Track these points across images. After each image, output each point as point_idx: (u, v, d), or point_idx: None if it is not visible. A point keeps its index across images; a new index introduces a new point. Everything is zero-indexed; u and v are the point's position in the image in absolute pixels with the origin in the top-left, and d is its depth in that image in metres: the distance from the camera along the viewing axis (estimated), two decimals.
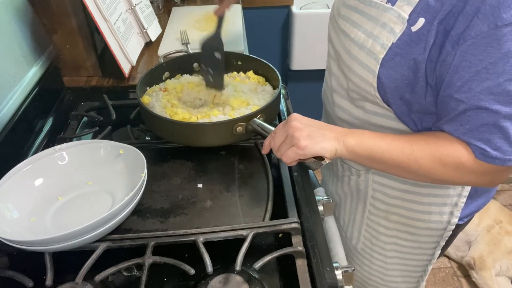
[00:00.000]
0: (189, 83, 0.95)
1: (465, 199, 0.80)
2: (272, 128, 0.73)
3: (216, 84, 0.90)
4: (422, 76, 0.62)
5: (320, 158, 0.63)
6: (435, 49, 0.59)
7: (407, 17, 0.61)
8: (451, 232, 0.85)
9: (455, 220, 0.82)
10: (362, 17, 0.68)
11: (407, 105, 0.68)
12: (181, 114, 0.84)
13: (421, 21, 0.59)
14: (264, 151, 0.72)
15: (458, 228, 0.86)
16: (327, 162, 0.64)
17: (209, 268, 0.61)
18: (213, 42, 0.88)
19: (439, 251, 0.89)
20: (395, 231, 0.87)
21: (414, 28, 0.60)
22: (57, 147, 0.77)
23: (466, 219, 0.85)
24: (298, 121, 0.65)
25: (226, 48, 1.04)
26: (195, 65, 1.02)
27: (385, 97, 0.68)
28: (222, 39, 0.88)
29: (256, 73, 1.00)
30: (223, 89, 0.90)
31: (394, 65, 0.63)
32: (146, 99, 0.89)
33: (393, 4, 0.63)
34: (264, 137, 0.75)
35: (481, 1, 0.53)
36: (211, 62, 0.89)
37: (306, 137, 0.62)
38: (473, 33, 0.54)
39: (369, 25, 0.66)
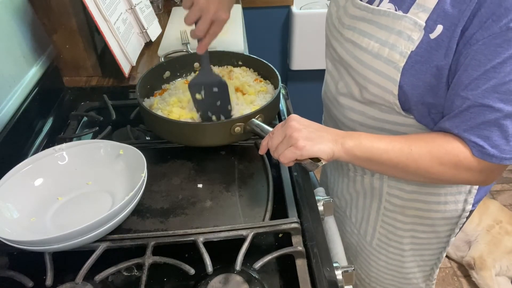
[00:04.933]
0: None
1: (477, 186, 0.81)
2: (270, 129, 0.73)
3: (224, 114, 0.85)
4: (445, 81, 0.63)
5: (316, 160, 0.63)
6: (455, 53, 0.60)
7: (424, 24, 0.61)
8: (465, 219, 0.86)
9: (469, 207, 0.84)
10: (372, 26, 0.68)
11: (428, 107, 0.69)
12: (177, 113, 0.84)
13: (439, 28, 0.60)
14: (262, 151, 0.72)
15: (470, 214, 0.87)
16: (324, 163, 0.64)
17: (209, 268, 0.62)
18: (204, 79, 0.82)
19: (453, 238, 0.90)
20: (412, 224, 0.87)
21: (432, 36, 0.61)
22: (57, 147, 0.77)
23: (477, 204, 0.87)
24: (296, 121, 0.65)
25: (226, 48, 1.05)
26: (196, 64, 1.02)
27: (406, 103, 0.69)
28: (214, 75, 0.83)
29: (257, 74, 1.00)
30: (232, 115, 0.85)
31: (415, 72, 0.64)
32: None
33: (405, 12, 0.64)
34: (262, 138, 0.75)
35: (498, 4, 0.54)
36: (210, 98, 0.84)
37: (304, 138, 0.63)
38: (485, 34, 0.56)
39: (383, 34, 0.66)
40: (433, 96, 0.66)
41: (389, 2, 0.66)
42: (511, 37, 0.54)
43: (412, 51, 0.63)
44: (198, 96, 0.84)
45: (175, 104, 0.88)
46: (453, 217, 0.85)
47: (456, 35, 0.59)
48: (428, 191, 0.82)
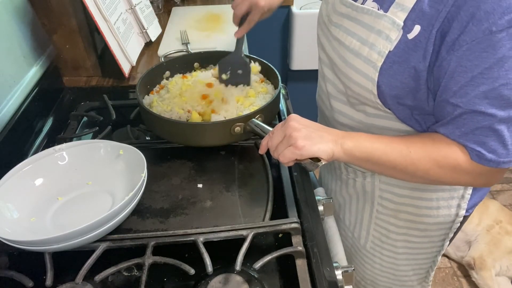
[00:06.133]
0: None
1: (471, 191, 0.81)
2: (270, 129, 0.73)
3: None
4: (423, 84, 0.63)
5: (316, 160, 0.63)
6: (433, 55, 0.59)
7: (402, 23, 0.61)
8: (459, 224, 0.86)
9: (462, 212, 0.83)
10: (355, 25, 0.68)
11: (409, 109, 0.68)
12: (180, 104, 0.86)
13: (417, 29, 0.59)
14: (261, 151, 0.72)
15: (465, 219, 0.87)
16: (323, 163, 0.64)
17: (209, 268, 0.62)
18: (234, 60, 0.92)
19: (448, 243, 0.90)
20: (405, 228, 0.87)
21: (410, 36, 0.60)
22: (57, 147, 0.77)
23: (471, 210, 0.86)
24: (296, 121, 0.65)
25: (226, 48, 1.05)
26: (196, 64, 1.02)
27: (386, 103, 0.69)
28: (243, 58, 0.93)
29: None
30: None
31: (393, 73, 0.64)
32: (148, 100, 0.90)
33: (386, 11, 0.63)
34: (262, 138, 0.75)
35: (476, 7, 0.53)
36: (234, 78, 0.93)
37: (304, 138, 0.63)
38: (468, 39, 0.55)
39: (364, 33, 0.66)
40: (412, 98, 0.65)
41: (373, 1, 0.66)
42: (495, 42, 0.53)
43: (390, 51, 0.63)
44: (224, 76, 0.93)
45: (176, 98, 0.88)
46: (446, 222, 0.85)
47: (432, 37, 0.58)
48: (419, 196, 0.81)
